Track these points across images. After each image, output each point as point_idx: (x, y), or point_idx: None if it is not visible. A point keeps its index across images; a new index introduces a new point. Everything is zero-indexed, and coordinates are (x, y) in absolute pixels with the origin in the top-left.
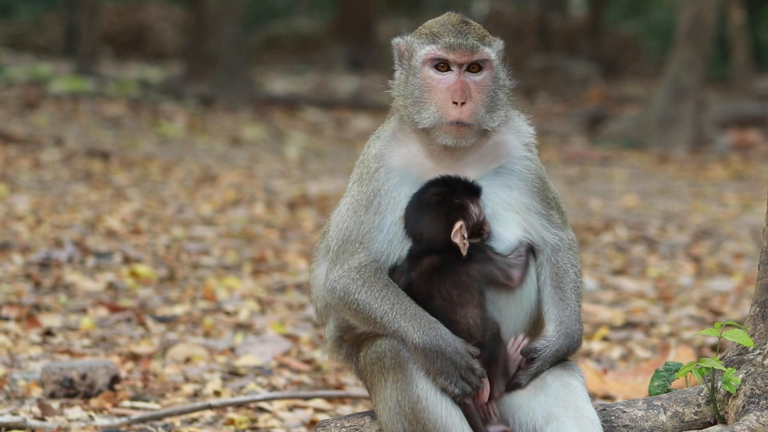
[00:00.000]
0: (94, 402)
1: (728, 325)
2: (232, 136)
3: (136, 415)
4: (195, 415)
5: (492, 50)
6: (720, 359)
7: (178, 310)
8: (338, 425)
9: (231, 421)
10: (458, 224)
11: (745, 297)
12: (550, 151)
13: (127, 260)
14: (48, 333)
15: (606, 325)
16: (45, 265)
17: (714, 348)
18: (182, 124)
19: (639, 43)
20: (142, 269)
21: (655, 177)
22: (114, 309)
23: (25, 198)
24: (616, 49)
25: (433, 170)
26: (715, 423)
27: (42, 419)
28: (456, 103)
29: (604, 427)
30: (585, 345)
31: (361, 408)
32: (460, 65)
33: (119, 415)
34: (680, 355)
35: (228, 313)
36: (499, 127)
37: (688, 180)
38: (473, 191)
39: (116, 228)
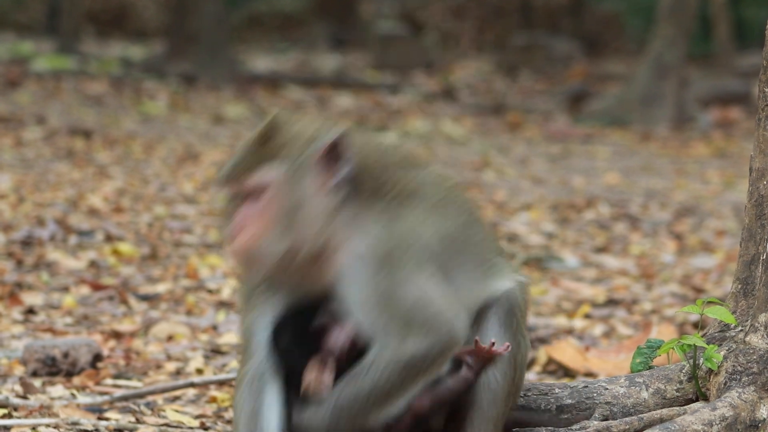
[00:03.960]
0: (76, 380)
1: (710, 302)
2: (215, 114)
3: (118, 393)
4: (177, 392)
5: (278, 168)
6: (702, 336)
7: (161, 288)
8: None
9: (213, 399)
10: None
11: (727, 274)
12: (533, 128)
13: (109, 238)
14: (30, 311)
15: (588, 302)
16: (27, 243)
17: (696, 325)
18: (164, 102)
19: (621, 21)
20: (125, 247)
21: (637, 154)
22: (96, 287)
23: (7, 176)
24: (598, 27)
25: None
26: (697, 400)
27: (24, 397)
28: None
29: (587, 403)
30: (567, 322)
31: None
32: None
33: (102, 393)
34: (662, 332)
35: (210, 291)
36: (310, 247)
37: (671, 157)
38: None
39: (98, 206)
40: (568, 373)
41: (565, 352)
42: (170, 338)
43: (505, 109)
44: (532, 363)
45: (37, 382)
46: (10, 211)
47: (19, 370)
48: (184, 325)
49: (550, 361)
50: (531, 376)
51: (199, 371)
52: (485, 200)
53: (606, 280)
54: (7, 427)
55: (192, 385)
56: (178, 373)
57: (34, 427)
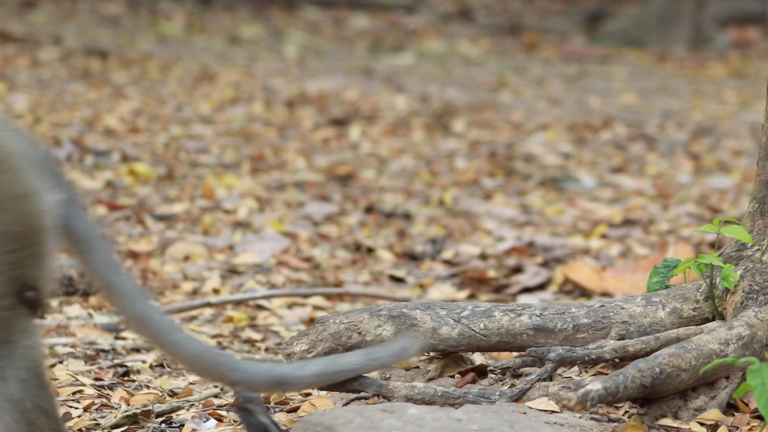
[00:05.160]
0: (93, 300)
1: (727, 222)
2: (231, 35)
3: None
4: (194, 312)
5: None
6: (718, 256)
7: (177, 208)
8: (336, 321)
9: (230, 319)
10: None
11: (744, 194)
12: (549, 49)
13: (125, 159)
14: None
15: (605, 222)
16: None
17: (712, 245)
18: (180, 23)
19: None
20: (141, 167)
21: (654, 75)
22: (113, 207)
23: (24, 97)
24: None
25: None
26: (713, 319)
27: (41, 317)
28: None
29: (603, 323)
30: (584, 242)
31: (359, 305)
32: None
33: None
34: (679, 251)
35: (227, 211)
36: None
37: (687, 78)
38: None
39: (115, 126)
40: (584, 293)
41: (582, 272)
42: (187, 258)
43: (521, 30)
44: (548, 282)
45: (54, 302)
46: (26, 131)
47: None
48: (200, 245)
49: (567, 281)
50: (547, 295)
51: (216, 291)
52: (501, 121)
53: (622, 200)
54: None
55: (209, 304)
56: (194, 292)
57: (51, 347)
